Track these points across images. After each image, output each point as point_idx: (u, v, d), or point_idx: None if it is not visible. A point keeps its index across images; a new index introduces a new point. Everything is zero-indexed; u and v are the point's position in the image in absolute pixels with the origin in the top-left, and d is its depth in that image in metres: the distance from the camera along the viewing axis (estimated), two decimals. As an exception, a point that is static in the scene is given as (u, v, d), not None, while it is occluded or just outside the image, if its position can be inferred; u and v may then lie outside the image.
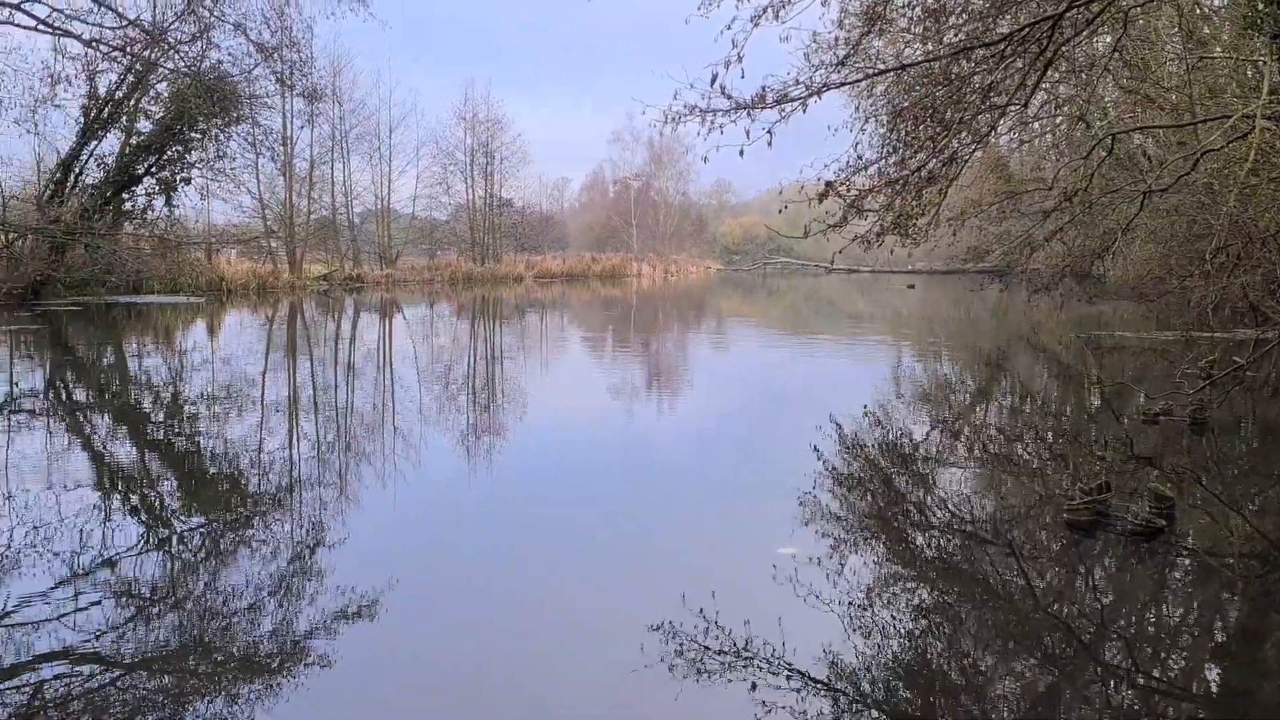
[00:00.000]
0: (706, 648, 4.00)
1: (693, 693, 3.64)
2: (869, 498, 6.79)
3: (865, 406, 9.93)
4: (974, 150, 8.89)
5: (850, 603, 4.52)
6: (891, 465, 7.75)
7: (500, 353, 17.07)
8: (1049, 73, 8.42)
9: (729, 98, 7.55)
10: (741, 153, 7.57)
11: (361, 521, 6.04)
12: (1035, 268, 16.80)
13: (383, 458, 7.96)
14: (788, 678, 3.74)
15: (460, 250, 52.72)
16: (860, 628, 4.25)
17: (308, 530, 5.78)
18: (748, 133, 7.49)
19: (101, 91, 27.52)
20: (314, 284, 38.54)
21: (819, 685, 3.69)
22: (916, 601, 4.70)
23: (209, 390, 11.81)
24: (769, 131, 7.56)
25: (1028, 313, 22.14)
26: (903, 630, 4.29)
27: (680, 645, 4.02)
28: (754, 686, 3.67)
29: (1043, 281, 15.83)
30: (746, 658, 3.91)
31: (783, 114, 7.61)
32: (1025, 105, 9.68)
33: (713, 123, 7.60)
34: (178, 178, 30.04)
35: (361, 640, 4.11)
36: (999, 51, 7.40)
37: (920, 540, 5.69)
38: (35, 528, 5.66)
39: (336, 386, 12.35)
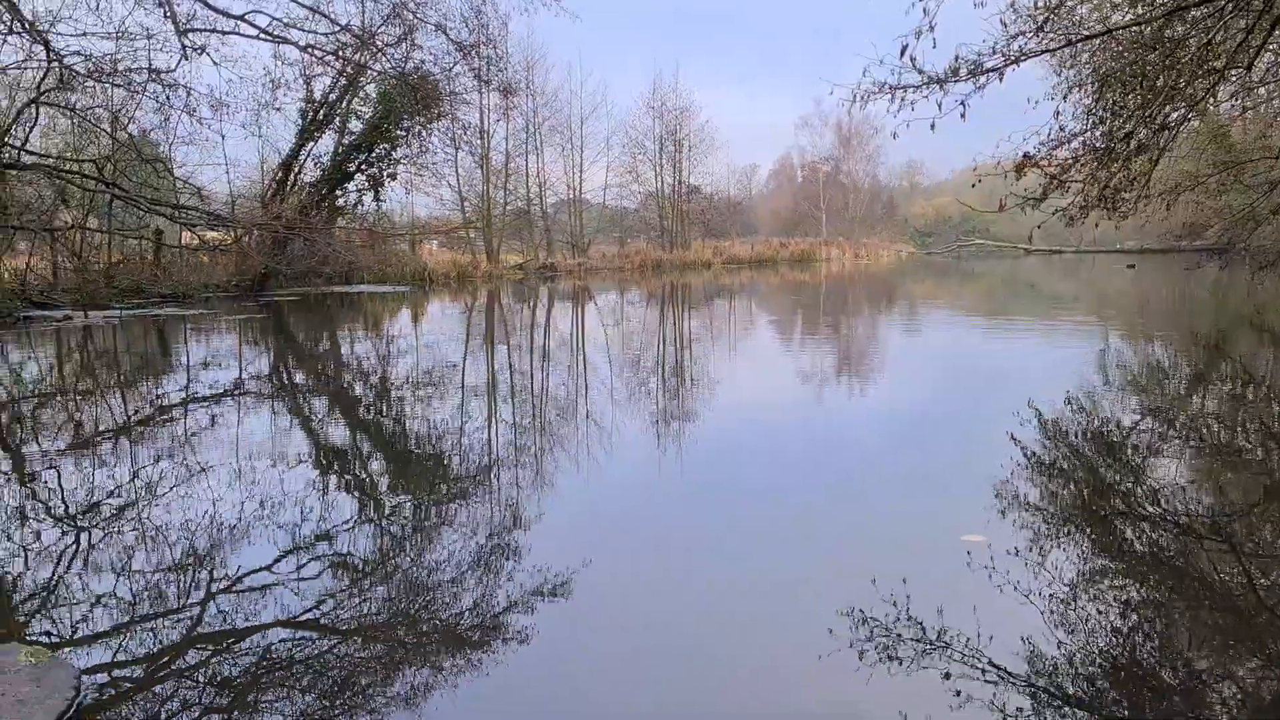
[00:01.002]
0: (898, 635, 3.91)
1: (883, 679, 3.57)
2: (1071, 487, 6.46)
3: (1068, 392, 9.45)
4: (1189, 119, 8.27)
5: (1051, 595, 4.32)
6: (1097, 454, 7.34)
7: (690, 338, 17.19)
8: (1277, 32, 7.77)
9: (920, 71, 7.31)
10: (933, 126, 7.33)
11: (556, 502, 6.22)
12: (1260, 244, 15.50)
13: (576, 440, 8.17)
14: (984, 670, 3.62)
15: (649, 237, 53.39)
16: (1062, 623, 4.05)
17: (505, 509, 6.01)
18: (939, 105, 7.24)
19: (317, 95, 29.48)
20: (510, 273, 39.87)
21: (1017, 680, 3.55)
22: (1125, 597, 4.44)
23: (414, 375, 12.44)
24: (963, 104, 7.28)
25: (1251, 293, 20.46)
26: (1109, 627, 4.07)
27: (870, 631, 3.95)
28: (947, 676, 3.57)
29: (1268, 258, 14.61)
30: (940, 647, 3.80)
31: (977, 86, 7.31)
32: (1249, 69, 8.92)
33: (903, 99, 7.39)
34: (385, 174, 31.72)
35: (557, 617, 4.23)
36: (1219, 9, 6.85)
37: (1129, 533, 5.37)
38: (261, 502, 6.12)
39: (532, 371, 12.76)
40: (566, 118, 48.74)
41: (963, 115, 7.20)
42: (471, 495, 6.43)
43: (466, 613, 4.29)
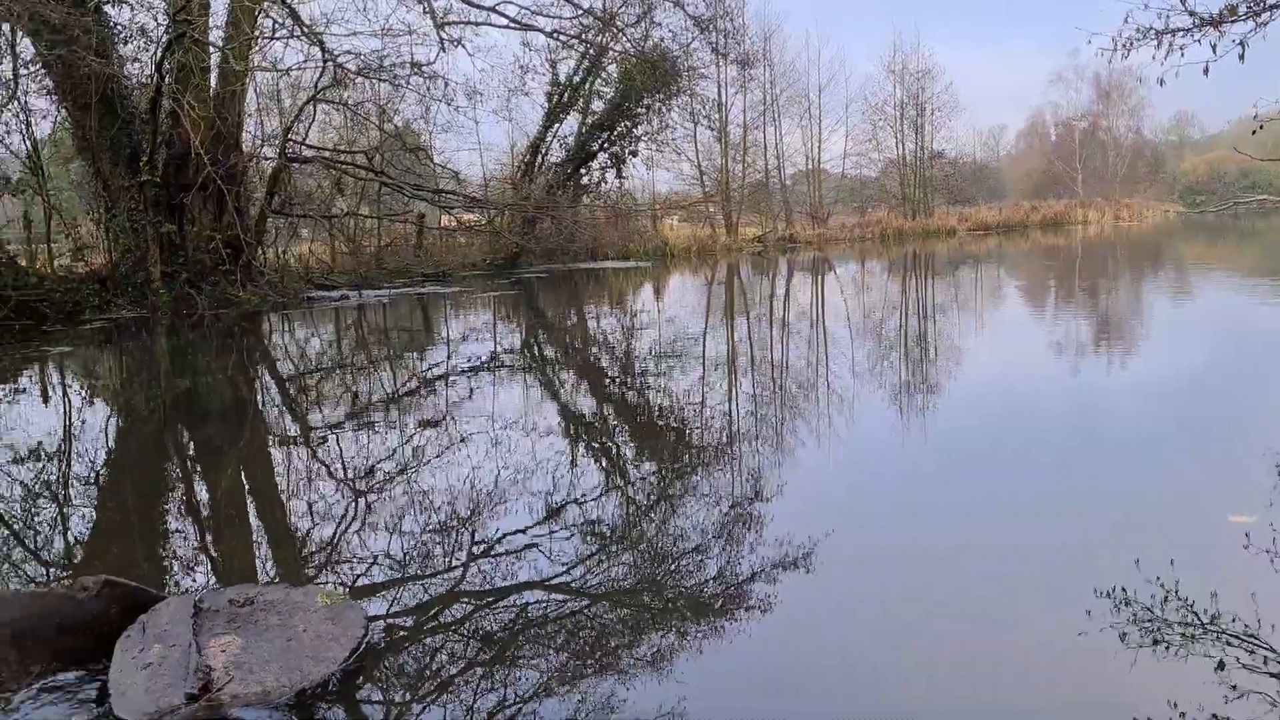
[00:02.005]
0: (1164, 619, 3.63)
1: (1148, 664, 3.32)
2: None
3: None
4: None
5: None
6: None
7: (934, 307, 16.60)
8: None
9: (1191, 13, 6.68)
10: (1206, 70, 6.68)
11: (798, 473, 6.19)
12: None
13: (817, 411, 8.08)
14: (1265, 660, 3.30)
15: (890, 205, 51.85)
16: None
17: (747, 480, 6.03)
18: (1214, 47, 6.59)
19: (562, 78, 30.52)
20: (749, 245, 39.85)
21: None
22: None
23: (657, 347, 12.70)
24: (1241, 45, 6.59)
25: None
26: None
27: (1133, 613, 3.67)
28: (1221, 665, 3.27)
29: None
30: (1212, 634, 3.49)
31: (1259, 23, 6.60)
32: None
33: (1170, 44, 6.78)
34: (626, 151, 32.43)
35: (799, 588, 4.21)
36: None
37: None
38: (516, 470, 6.44)
39: (772, 343, 12.73)
40: (804, 87, 48.16)
41: (1241, 57, 6.53)
42: (714, 466, 6.50)
43: (710, 581, 4.34)
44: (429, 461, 6.75)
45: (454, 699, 3.29)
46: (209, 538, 5.38)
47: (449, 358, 12.27)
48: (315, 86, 21.14)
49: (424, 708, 3.25)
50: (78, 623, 3.53)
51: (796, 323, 14.96)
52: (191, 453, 7.82)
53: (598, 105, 31.61)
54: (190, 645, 3.34)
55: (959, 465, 6.26)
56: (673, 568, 4.58)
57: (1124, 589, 3.86)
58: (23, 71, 17.82)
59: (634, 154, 32.91)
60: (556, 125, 31.43)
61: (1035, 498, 5.42)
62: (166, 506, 6.16)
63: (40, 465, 7.14)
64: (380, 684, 3.42)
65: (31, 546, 5.28)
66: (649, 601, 4.16)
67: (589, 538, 5.04)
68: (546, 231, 29.62)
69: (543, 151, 31.59)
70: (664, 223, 38.77)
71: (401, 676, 3.47)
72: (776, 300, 19.48)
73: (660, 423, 8.09)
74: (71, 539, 5.39)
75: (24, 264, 17.51)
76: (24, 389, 10.93)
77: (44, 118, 19.55)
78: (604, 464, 6.84)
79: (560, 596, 4.23)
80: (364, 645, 3.57)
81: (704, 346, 12.59)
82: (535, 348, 13.62)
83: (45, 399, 10.41)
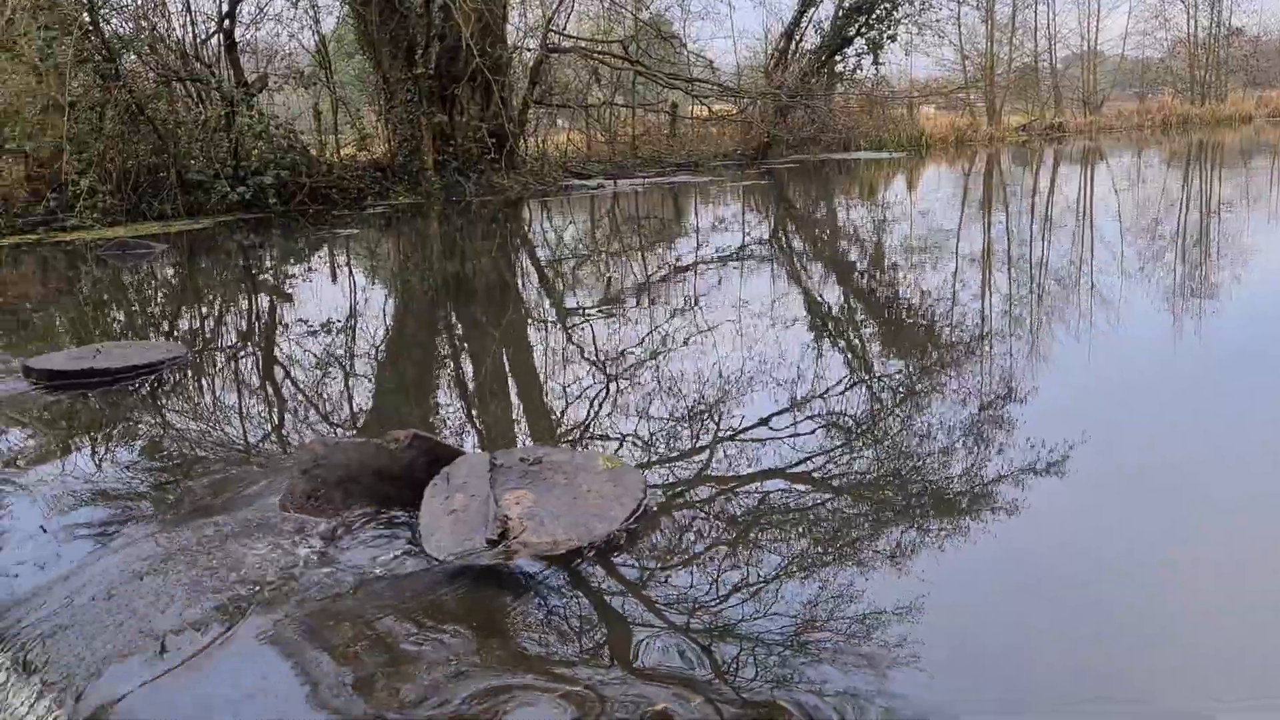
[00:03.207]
0: None
1: None
2: None
3: None
4: None
5: None
6: None
7: (1216, 205, 15.13)
8: None
9: None
10: None
11: (1052, 376, 5.96)
12: None
13: (1077, 313, 7.68)
14: None
15: (1175, 90, 47.01)
16: None
17: (998, 380, 5.87)
18: None
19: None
20: (1012, 135, 37.47)
21: None
22: None
23: (907, 240, 12.36)
24: None
25: None
26: None
27: None
28: None
29: None
30: None
31: None
32: None
33: None
34: (884, 35, 30.97)
35: (1049, 494, 4.12)
36: None
37: None
38: (761, 359, 6.57)
39: (1031, 239, 12.08)
40: (1089, -42, 43.87)
41: None
42: (963, 364, 6.36)
43: (955, 480, 4.32)
44: (677, 347, 6.99)
45: (702, 571, 3.49)
46: (478, 405, 5.87)
47: (698, 247, 12.46)
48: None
49: (685, 573, 3.46)
50: (391, 471, 4.00)
51: (1061, 217, 14.07)
52: (461, 328, 8.45)
53: (857, -13, 30.30)
54: (489, 496, 3.74)
55: (1236, 380, 5.82)
56: (916, 465, 4.59)
57: None
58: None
59: (892, 38, 31.39)
60: (812, 10, 30.37)
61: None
62: (440, 376, 6.75)
63: (331, 336, 7.95)
64: (650, 547, 3.67)
65: (326, 406, 5.95)
66: (890, 497, 4.20)
67: (832, 430, 5.11)
68: (799, 121, 29.01)
69: (797, 38, 30.69)
70: (921, 111, 37.00)
71: (663, 543, 3.72)
72: (1039, 194, 18.34)
73: (909, 318, 7.95)
74: (360, 401, 6.03)
75: (315, 154, 19.08)
76: (314, 269, 12.08)
77: (329, 14, 20.94)
78: (849, 357, 6.85)
79: (802, 486, 4.35)
80: (643, 508, 3.85)
81: (958, 241, 12.13)
82: (784, 239, 13.58)
83: (334, 278, 11.49)
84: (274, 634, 3.05)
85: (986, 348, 6.76)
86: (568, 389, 6.08)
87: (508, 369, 6.91)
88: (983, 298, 8.46)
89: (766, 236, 13.75)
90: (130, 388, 6.18)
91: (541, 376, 6.60)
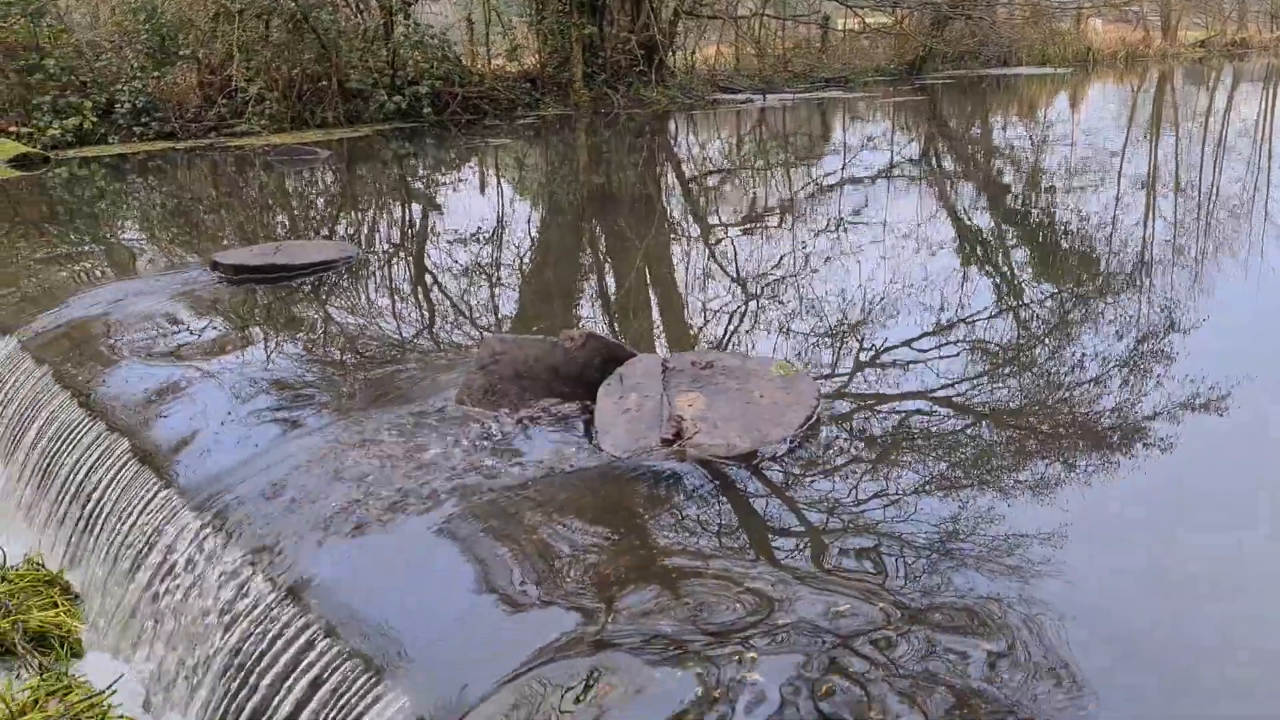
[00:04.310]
0: None
1: None
2: None
3: None
4: None
5: None
6: None
7: None
8: None
9: None
10: None
11: (1216, 309, 5.73)
12: None
13: (1248, 245, 7.30)
14: None
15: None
16: None
17: (1157, 312, 5.68)
18: None
19: None
20: (1188, 51, 34.99)
21: None
22: None
23: (1067, 163, 11.85)
24: None
25: None
26: None
27: None
28: None
29: None
30: None
31: None
32: None
33: None
34: (1056, -59, 29.20)
35: (1207, 431, 4.03)
36: None
37: None
38: (905, 281, 6.50)
39: (1201, 164, 11.42)
40: None
41: None
42: (1120, 293, 6.16)
43: (1106, 413, 4.24)
44: (820, 266, 6.98)
45: (866, 481, 3.53)
46: (626, 315, 6.03)
47: (845, 165, 12.25)
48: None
49: (850, 481, 3.53)
50: (565, 369, 4.18)
51: (1236, 142, 13.22)
52: (607, 241, 8.61)
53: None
54: (662, 397, 3.88)
55: None
56: (1064, 396, 4.52)
57: None
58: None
59: (1065, -56, 29.55)
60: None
61: None
62: (587, 285, 6.95)
63: (485, 244, 8.23)
64: (819, 455, 3.75)
65: (487, 309, 6.22)
66: (1035, 425, 4.17)
67: (977, 356, 5.07)
68: (956, 34, 27.75)
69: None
70: (1088, 24, 34.83)
71: (830, 452, 3.78)
72: (1214, 115, 17.21)
73: (1064, 244, 7.70)
74: (515, 307, 6.28)
75: (468, 64, 19.38)
76: (466, 179, 12.43)
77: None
78: (998, 283, 6.71)
79: (943, 410, 4.36)
80: (816, 416, 3.93)
81: (1122, 164, 11.56)
82: (935, 158, 13.20)
83: (484, 188, 11.80)
84: (453, 519, 3.28)
85: (1146, 278, 6.52)
86: (711, 303, 6.18)
87: (651, 281, 7.05)
88: (1145, 225, 8.11)
89: (917, 155, 13.38)
90: (307, 283, 6.60)
91: (685, 290, 6.71)
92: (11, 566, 4.25)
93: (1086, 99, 21.89)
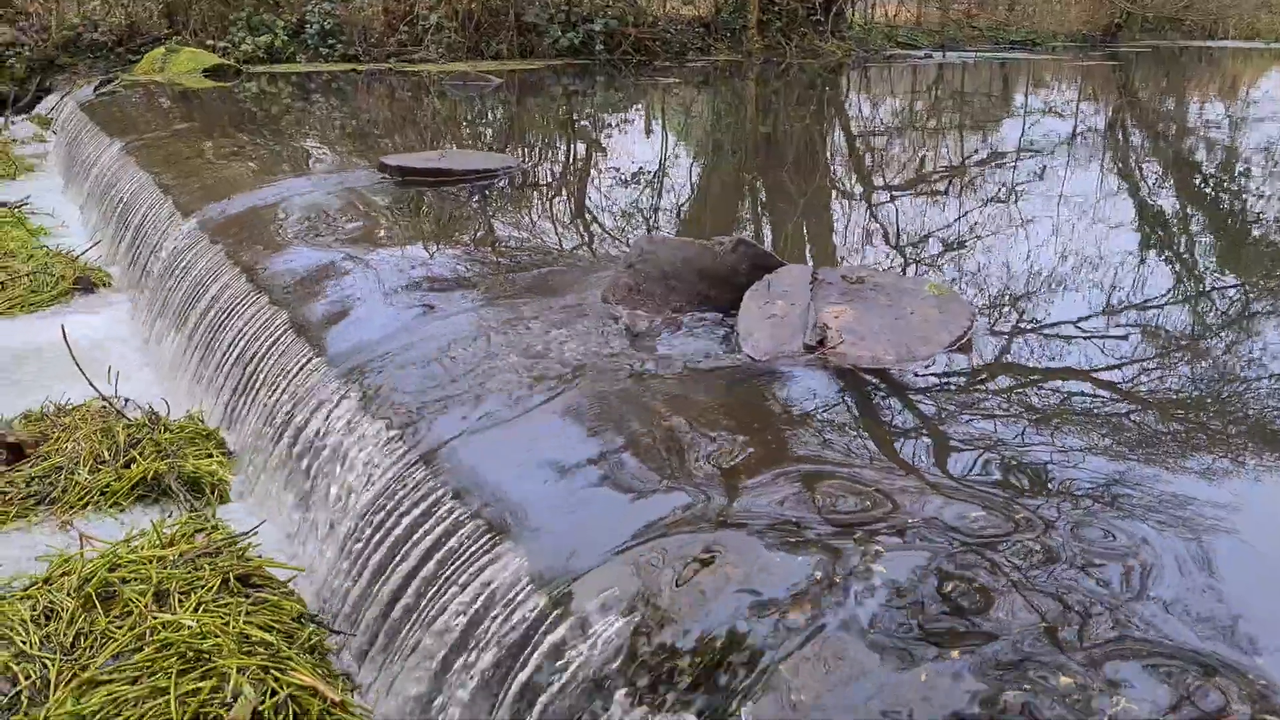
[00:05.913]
0: None
1: None
2: None
3: None
4: None
5: None
6: None
7: None
8: None
9: None
10: None
11: None
12: None
13: None
14: None
15: None
16: None
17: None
18: None
19: None
20: None
21: None
22: None
23: (1268, 148, 11.05)
24: None
25: None
26: None
27: None
28: None
29: None
30: None
31: None
32: None
33: None
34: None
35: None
36: None
37: None
38: (1076, 257, 6.22)
39: None
40: None
41: None
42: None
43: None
44: (988, 235, 6.74)
45: (1014, 411, 3.49)
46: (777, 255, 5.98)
47: (1024, 132, 11.73)
48: None
49: (998, 409, 3.49)
50: (714, 273, 4.20)
51: None
52: (765, 190, 8.52)
53: None
54: (809, 306, 3.85)
55: None
56: (1238, 390, 4.27)
57: None
58: None
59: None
60: None
61: None
62: (742, 230, 6.89)
63: (644, 178, 8.28)
64: (969, 376, 3.70)
65: (638, 226, 6.27)
66: (1206, 420, 3.96)
67: (1148, 340, 4.82)
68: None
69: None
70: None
71: (981, 375, 3.74)
72: None
73: (1255, 232, 7.22)
74: (671, 231, 6.31)
75: (642, 5, 19.35)
76: (631, 120, 12.46)
77: None
78: (1177, 268, 6.35)
79: (1105, 392, 4.18)
80: (968, 336, 3.85)
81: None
82: (1121, 132, 12.50)
83: (649, 128, 11.82)
84: (584, 403, 3.36)
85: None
86: (867, 262, 6.06)
87: (808, 235, 6.96)
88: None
89: (1102, 126, 12.70)
90: (468, 188, 6.84)
91: (841, 244, 6.61)
92: (174, 420, 4.59)
93: (1300, 79, 20.29)
